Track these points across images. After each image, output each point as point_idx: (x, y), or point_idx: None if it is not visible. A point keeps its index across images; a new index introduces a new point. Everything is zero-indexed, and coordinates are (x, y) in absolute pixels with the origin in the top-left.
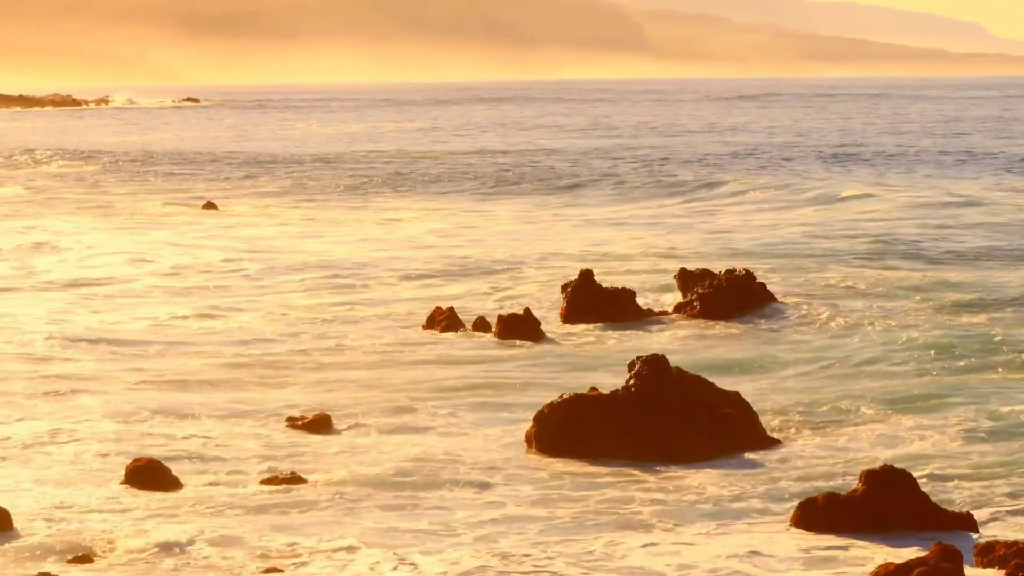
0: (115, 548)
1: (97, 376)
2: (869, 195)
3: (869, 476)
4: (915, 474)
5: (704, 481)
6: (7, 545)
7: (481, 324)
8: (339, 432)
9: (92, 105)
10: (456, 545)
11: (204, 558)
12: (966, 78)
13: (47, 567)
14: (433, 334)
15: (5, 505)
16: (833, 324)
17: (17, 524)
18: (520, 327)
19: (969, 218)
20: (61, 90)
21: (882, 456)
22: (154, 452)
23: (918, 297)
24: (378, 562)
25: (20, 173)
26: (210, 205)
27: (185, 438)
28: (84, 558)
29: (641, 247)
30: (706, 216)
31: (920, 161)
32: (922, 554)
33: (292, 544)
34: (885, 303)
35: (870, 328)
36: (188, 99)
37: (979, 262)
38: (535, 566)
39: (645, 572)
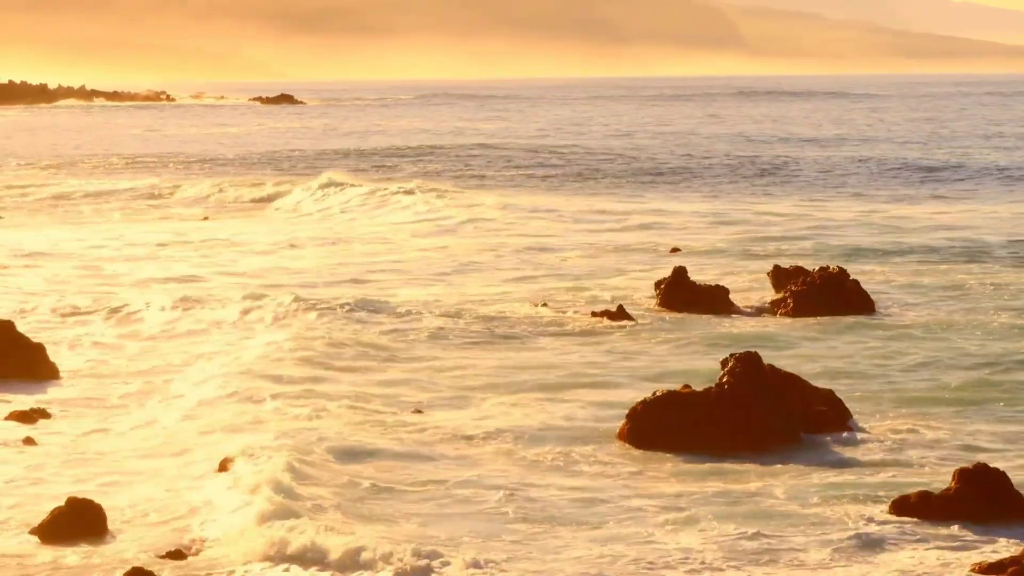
0: (207, 545)
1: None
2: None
3: (963, 474)
4: (1009, 474)
5: (796, 477)
6: (101, 542)
7: (573, 318)
8: (426, 420)
9: (187, 100)
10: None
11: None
12: None
13: (140, 562)
14: (529, 323)
15: (100, 500)
16: (927, 324)
17: (111, 518)
18: (613, 323)
19: None
20: (154, 86)
21: (975, 455)
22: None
23: (1005, 299)
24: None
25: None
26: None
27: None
28: (177, 554)
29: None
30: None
31: None
32: (1016, 553)
33: (381, 537)
34: (980, 304)
35: (966, 329)
36: (283, 95)
37: None
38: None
39: (744, 565)
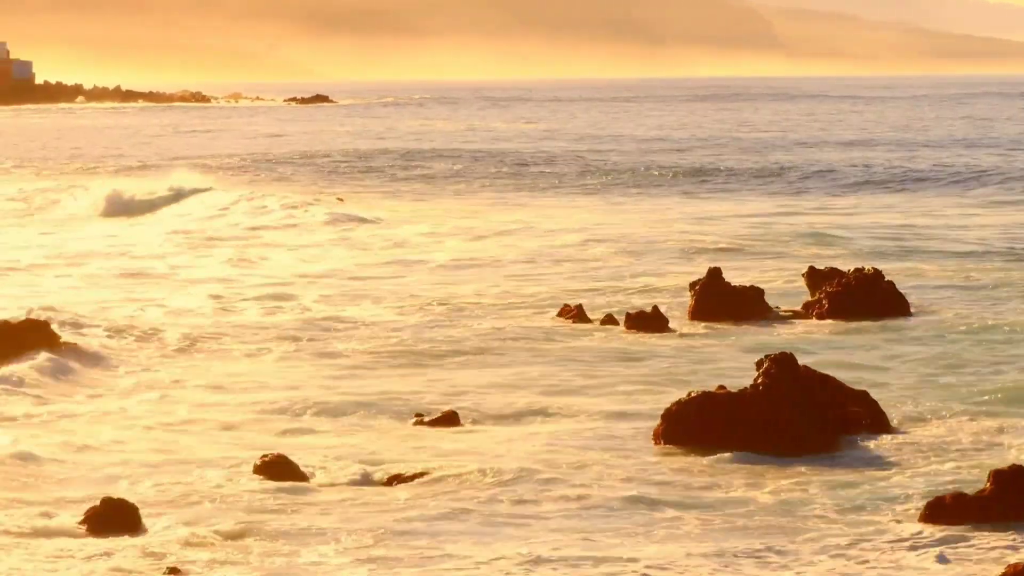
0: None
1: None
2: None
3: (998, 475)
4: None
5: (832, 478)
6: (137, 540)
7: (608, 321)
8: (466, 428)
9: (223, 102)
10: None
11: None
12: None
13: (175, 558)
14: (563, 326)
15: (133, 499)
16: (965, 325)
17: (145, 516)
18: (648, 325)
19: None
20: (189, 86)
21: (1010, 456)
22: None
23: None
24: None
25: None
26: None
27: (312, 433)
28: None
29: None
30: None
31: None
32: None
33: (418, 541)
34: (1019, 306)
35: (1004, 330)
36: (318, 96)
37: None
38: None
39: (773, 567)
